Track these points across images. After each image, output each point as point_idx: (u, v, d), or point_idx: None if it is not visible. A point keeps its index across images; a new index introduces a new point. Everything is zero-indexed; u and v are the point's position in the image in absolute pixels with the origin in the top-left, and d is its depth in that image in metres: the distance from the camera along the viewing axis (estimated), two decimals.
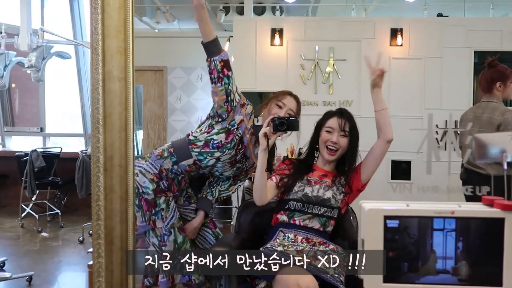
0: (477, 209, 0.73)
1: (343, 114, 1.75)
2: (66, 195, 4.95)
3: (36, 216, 4.48)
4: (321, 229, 1.64)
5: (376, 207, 0.74)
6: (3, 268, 3.20)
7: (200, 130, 1.80)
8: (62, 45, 4.85)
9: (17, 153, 4.52)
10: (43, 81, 4.63)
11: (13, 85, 5.82)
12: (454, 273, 0.73)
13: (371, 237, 0.74)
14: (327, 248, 1.55)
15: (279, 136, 1.72)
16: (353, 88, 4.53)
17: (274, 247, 1.51)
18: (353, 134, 1.73)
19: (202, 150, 1.75)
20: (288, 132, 1.70)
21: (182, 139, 1.82)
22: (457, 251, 0.73)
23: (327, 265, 1.44)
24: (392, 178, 4.39)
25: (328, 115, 1.77)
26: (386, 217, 0.73)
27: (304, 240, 1.59)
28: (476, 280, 0.73)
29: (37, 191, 4.54)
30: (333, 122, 1.72)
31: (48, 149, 4.85)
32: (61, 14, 5.70)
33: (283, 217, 1.67)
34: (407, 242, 0.73)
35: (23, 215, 4.58)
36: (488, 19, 4.49)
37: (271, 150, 1.86)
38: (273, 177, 1.73)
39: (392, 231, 0.73)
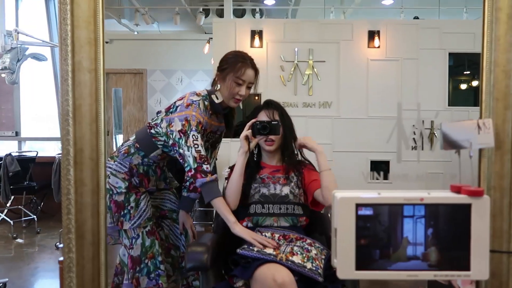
0: (445, 196, 0.75)
1: (269, 105, 1.75)
2: (43, 200, 4.83)
3: (11, 222, 4.35)
4: (293, 226, 1.65)
5: (348, 195, 0.74)
6: None
7: (160, 124, 1.73)
8: (38, 47, 4.75)
9: None
10: (17, 83, 4.51)
11: None
12: (424, 259, 0.74)
13: (343, 226, 0.74)
14: (304, 243, 1.56)
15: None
16: (333, 90, 4.59)
17: (250, 247, 1.51)
18: (284, 121, 1.73)
19: (166, 144, 1.72)
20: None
21: (144, 131, 1.76)
22: (426, 237, 0.74)
23: (305, 260, 1.45)
24: (371, 178, 4.45)
25: (256, 111, 1.77)
26: (358, 205, 0.74)
27: (281, 237, 1.59)
28: (445, 265, 0.74)
29: (12, 197, 4.41)
30: (262, 116, 1.73)
31: (24, 153, 4.72)
32: (37, 15, 5.59)
33: (248, 224, 1.67)
34: (378, 229, 0.75)
35: None
36: (462, 21, 4.61)
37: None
38: None
39: (363, 219, 0.74)
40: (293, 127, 1.75)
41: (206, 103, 1.71)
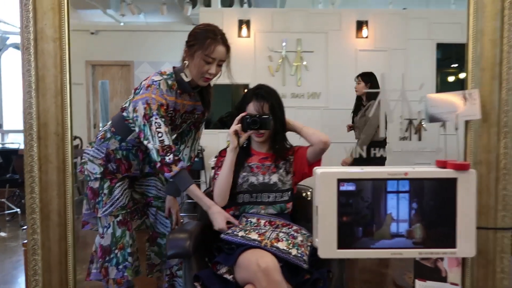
0: (431, 170, 0.72)
1: (258, 96, 1.65)
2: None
3: None
4: (280, 213, 1.61)
5: (329, 170, 0.71)
6: None
7: (128, 108, 1.63)
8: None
9: None
10: None
11: None
12: (409, 236, 0.71)
13: (325, 203, 0.71)
14: (290, 230, 1.52)
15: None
16: (321, 80, 4.55)
17: (235, 232, 1.47)
18: (275, 113, 1.64)
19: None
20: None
21: (119, 115, 1.68)
22: (411, 214, 0.71)
23: (290, 246, 1.42)
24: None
25: (245, 99, 1.67)
26: (340, 181, 0.70)
27: (267, 223, 1.55)
28: (430, 242, 0.71)
29: None
30: (251, 108, 1.64)
31: (6, 145, 4.61)
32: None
33: (235, 213, 1.62)
34: (361, 206, 0.71)
35: None
36: (450, 11, 4.62)
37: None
38: (216, 175, 1.68)
39: (346, 195, 0.71)
40: (284, 117, 1.69)
41: (170, 82, 1.59)
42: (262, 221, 1.56)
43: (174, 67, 1.65)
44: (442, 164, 0.72)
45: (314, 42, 4.55)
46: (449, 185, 0.70)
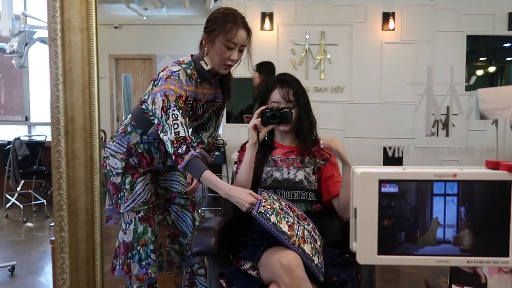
0: (482, 172, 0.66)
1: (283, 82, 1.59)
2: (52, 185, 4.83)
3: (21, 206, 4.36)
4: (306, 212, 1.56)
5: (369, 170, 0.66)
6: None
7: (147, 100, 1.59)
8: (46, 31, 4.69)
9: (0, 142, 4.39)
10: (26, 67, 4.49)
11: None
12: (456, 242, 0.66)
13: (364, 205, 0.66)
14: (309, 227, 1.45)
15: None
16: (345, 74, 4.46)
17: (268, 215, 1.35)
18: (299, 100, 1.59)
19: None
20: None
21: (138, 108, 1.65)
22: (459, 218, 0.65)
23: (313, 252, 1.35)
24: (384, 165, 4.35)
25: (269, 88, 1.62)
26: (381, 182, 0.65)
27: (288, 206, 1.46)
28: (480, 250, 0.65)
29: (22, 181, 4.42)
30: (275, 95, 1.58)
31: (32, 137, 4.71)
32: None
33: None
34: (404, 209, 0.66)
35: (7, 205, 4.46)
36: (480, 2, 4.44)
37: None
38: (238, 169, 1.61)
39: (387, 197, 0.66)
40: (309, 106, 1.62)
41: (189, 71, 1.54)
42: (283, 203, 1.47)
43: (192, 55, 1.59)
44: (494, 165, 0.66)
45: (338, 35, 4.45)
46: (502, 188, 0.64)
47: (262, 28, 4.46)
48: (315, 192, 1.58)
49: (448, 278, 1.22)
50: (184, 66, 1.54)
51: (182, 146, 1.44)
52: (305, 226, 1.43)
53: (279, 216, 1.37)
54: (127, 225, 1.63)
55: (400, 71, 4.42)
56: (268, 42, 4.48)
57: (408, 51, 4.42)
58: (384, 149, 4.39)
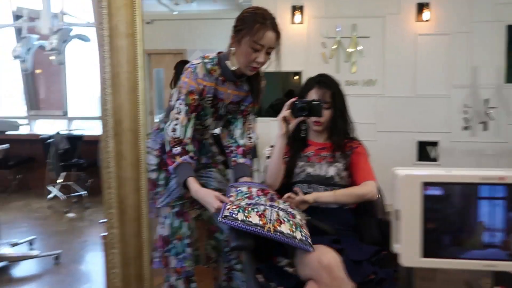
0: None
1: (321, 83, 1.61)
2: (91, 177, 5.03)
3: (63, 197, 4.58)
4: (340, 208, 1.56)
5: (413, 173, 0.66)
6: (32, 246, 3.29)
7: (174, 94, 1.59)
8: (82, 28, 4.86)
9: (41, 136, 4.59)
10: (64, 64, 4.66)
11: (39, 71, 5.90)
12: (504, 247, 0.65)
13: (408, 207, 0.67)
14: (286, 205, 1.43)
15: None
16: (377, 67, 4.38)
17: (234, 215, 1.33)
18: (336, 103, 1.60)
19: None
20: None
21: (169, 105, 1.64)
22: (508, 222, 0.65)
23: (293, 229, 1.33)
24: (418, 160, 4.25)
25: (307, 87, 1.64)
26: (425, 184, 0.65)
27: (260, 192, 1.45)
28: None
29: (63, 173, 4.62)
30: (312, 95, 1.60)
31: (71, 132, 4.91)
32: None
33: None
34: (449, 212, 0.66)
35: (49, 196, 4.69)
36: None
37: None
38: None
39: (431, 199, 0.66)
40: (345, 108, 1.65)
41: (209, 66, 1.51)
42: (254, 190, 1.47)
43: (219, 53, 1.57)
44: None
45: (370, 27, 4.37)
46: None
47: (292, 22, 4.43)
48: (347, 188, 1.60)
49: (491, 279, 1.19)
50: (206, 60, 1.53)
51: (177, 146, 1.45)
52: (280, 206, 1.41)
53: (246, 211, 1.35)
54: (164, 219, 1.69)
55: (435, 63, 4.29)
56: (298, 36, 4.46)
57: (444, 43, 4.28)
58: (418, 143, 4.29)
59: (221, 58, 1.55)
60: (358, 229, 1.59)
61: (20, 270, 2.93)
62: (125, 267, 0.91)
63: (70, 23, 4.55)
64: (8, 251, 3.05)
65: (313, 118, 1.60)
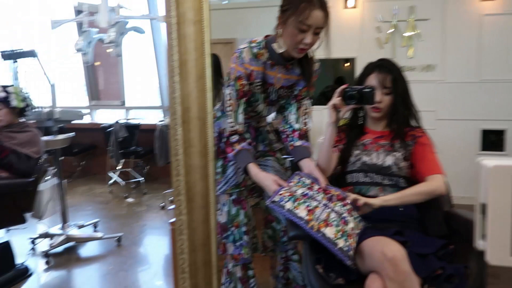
0: None
1: (381, 67, 1.54)
2: (148, 164, 5.25)
3: (122, 183, 4.84)
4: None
5: (504, 163, 0.61)
6: (96, 228, 3.51)
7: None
8: (137, 21, 5.03)
9: (102, 125, 4.85)
10: (121, 55, 4.85)
11: (98, 63, 6.20)
12: None
13: (497, 201, 0.62)
14: (344, 209, 1.37)
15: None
16: (437, 51, 4.14)
17: (282, 202, 1.35)
18: (397, 88, 1.52)
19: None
20: None
21: (224, 93, 1.62)
22: None
23: (338, 235, 1.28)
24: (482, 150, 4.00)
25: (366, 71, 1.58)
26: None
27: (321, 190, 1.42)
28: None
29: (122, 160, 4.86)
30: (371, 80, 1.54)
31: (129, 121, 5.13)
32: None
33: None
34: None
35: (110, 182, 4.96)
36: None
37: None
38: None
39: None
40: (407, 94, 1.57)
41: (255, 50, 1.47)
42: (316, 186, 1.43)
43: (267, 36, 1.54)
44: None
45: (429, 9, 4.13)
46: None
47: (345, 7, 4.30)
48: (406, 179, 1.53)
49: None
50: (253, 45, 1.50)
51: (234, 135, 1.50)
52: (336, 208, 1.36)
53: (297, 202, 1.34)
54: (222, 207, 1.71)
55: (502, 45, 3.98)
56: (352, 21, 4.31)
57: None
58: (482, 132, 4.03)
59: (268, 41, 1.52)
60: (422, 222, 1.52)
61: (87, 250, 3.14)
62: (192, 253, 0.93)
63: (126, 16, 4.72)
64: (75, 232, 3.27)
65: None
